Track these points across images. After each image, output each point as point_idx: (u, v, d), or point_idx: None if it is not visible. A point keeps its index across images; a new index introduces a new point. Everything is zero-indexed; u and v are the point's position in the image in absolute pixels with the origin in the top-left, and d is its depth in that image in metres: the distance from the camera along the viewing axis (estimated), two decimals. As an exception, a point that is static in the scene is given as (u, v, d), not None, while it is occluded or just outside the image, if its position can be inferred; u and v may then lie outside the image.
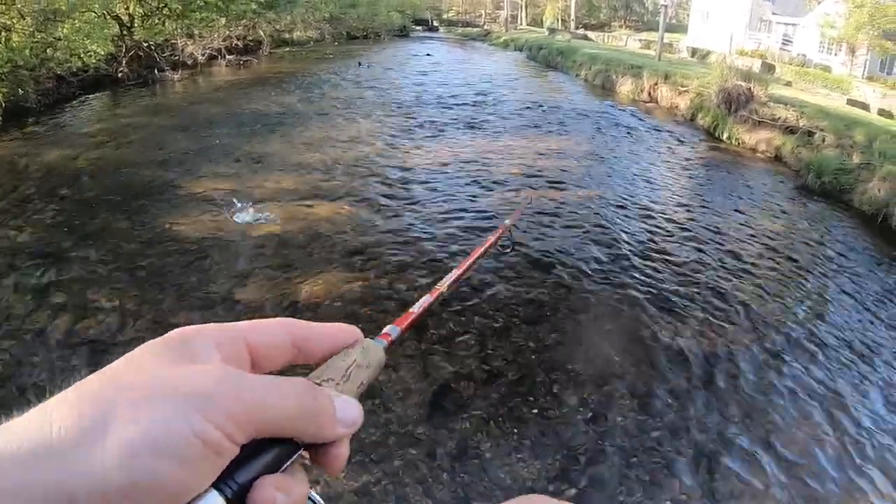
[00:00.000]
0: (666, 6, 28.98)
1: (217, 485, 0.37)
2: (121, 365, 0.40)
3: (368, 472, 4.08)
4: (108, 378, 0.39)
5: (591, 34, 46.03)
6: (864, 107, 19.55)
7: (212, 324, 0.45)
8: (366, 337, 0.54)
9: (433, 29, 58.94)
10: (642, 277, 7.17)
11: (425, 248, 7.58)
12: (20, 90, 13.72)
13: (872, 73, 27.95)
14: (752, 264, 7.93)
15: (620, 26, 57.20)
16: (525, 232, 8.18)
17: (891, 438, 4.91)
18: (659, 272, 7.36)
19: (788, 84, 22.62)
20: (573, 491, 4.07)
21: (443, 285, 0.75)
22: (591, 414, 4.82)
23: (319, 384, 0.46)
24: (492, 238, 1.21)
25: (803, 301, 7.20)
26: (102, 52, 16.97)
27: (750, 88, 15.35)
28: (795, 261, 8.27)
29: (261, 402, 0.39)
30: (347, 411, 0.45)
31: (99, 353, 5.19)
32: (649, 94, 20.04)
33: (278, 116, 14.57)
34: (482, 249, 1.03)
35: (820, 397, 5.32)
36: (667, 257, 7.83)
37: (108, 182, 9.62)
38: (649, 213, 9.44)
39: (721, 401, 5.14)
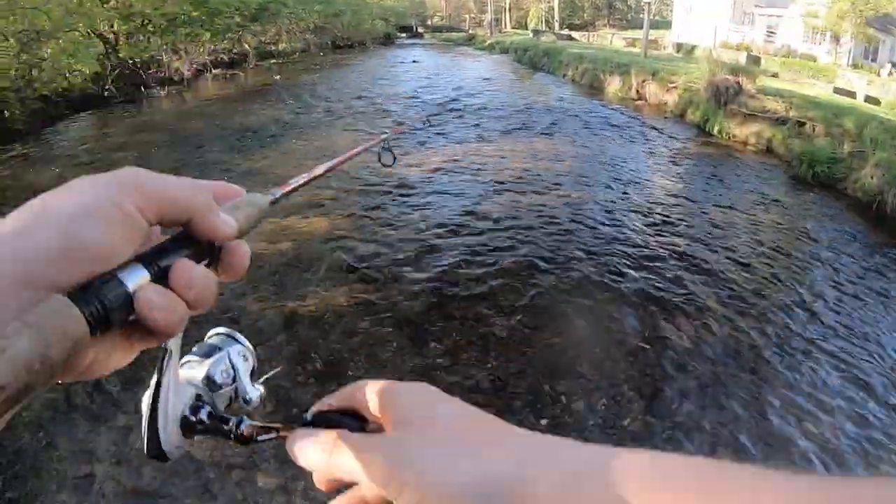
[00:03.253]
0: (649, 3, 29.08)
1: (142, 260, 0.44)
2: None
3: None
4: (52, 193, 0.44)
5: (575, 34, 46.19)
6: (851, 95, 19.65)
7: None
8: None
9: (418, 35, 59.02)
10: (640, 275, 7.14)
11: (417, 254, 7.54)
12: (6, 112, 13.62)
13: (857, 60, 28.11)
14: (749, 256, 7.92)
15: (605, 25, 57.45)
16: (522, 233, 8.16)
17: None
18: (656, 269, 7.33)
19: (775, 75, 22.70)
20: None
21: (320, 170, 0.83)
22: (601, 419, 4.78)
23: None
24: (367, 145, 1.35)
25: (803, 289, 7.18)
26: (88, 72, 16.90)
27: (738, 81, 15.37)
28: (793, 251, 8.27)
29: (163, 185, 0.47)
30: (227, 220, 0.50)
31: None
32: (637, 91, 20.04)
33: (267, 129, 14.52)
34: (357, 150, 1.20)
35: (825, 386, 5.30)
36: (663, 254, 7.81)
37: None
38: (644, 210, 9.42)
39: (727, 396, 5.11)
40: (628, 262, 7.49)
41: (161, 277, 0.44)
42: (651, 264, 7.47)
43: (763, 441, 4.58)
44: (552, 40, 37.49)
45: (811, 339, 6.06)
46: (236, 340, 0.61)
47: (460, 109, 17.36)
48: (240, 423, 0.54)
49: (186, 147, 12.96)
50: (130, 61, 20.55)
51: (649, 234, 8.44)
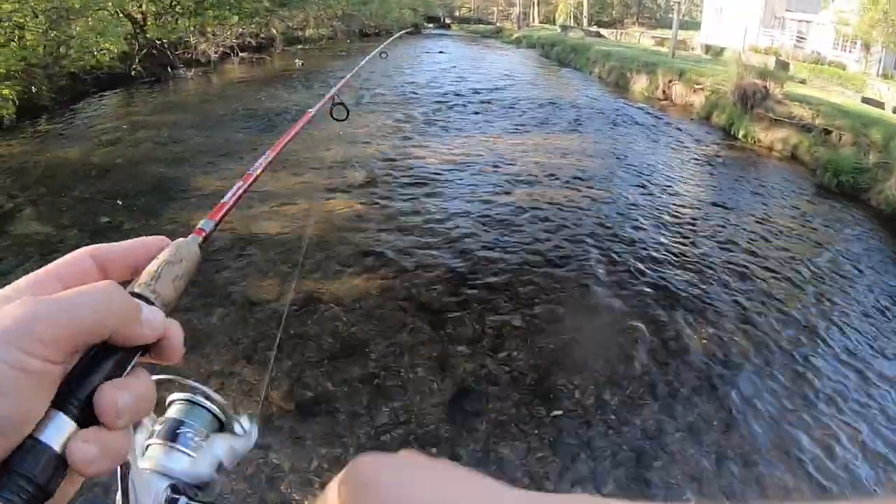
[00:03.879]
0: (679, 2, 28.85)
1: (61, 405, 0.39)
2: None
3: None
4: None
5: (603, 31, 45.87)
6: (880, 105, 19.37)
7: (20, 279, 0.45)
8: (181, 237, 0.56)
9: (445, 26, 58.96)
10: (660, 276, 7.12)
11: (437, 243, 7.55)
12: (34, 88, 13.72)
13: (888, 70, 27.72)
14: (768, 263, 7.86)
15: (633, 24, 57.01)
16: (543, 227, 8.16)
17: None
18: (677, 271, 7.30)
19: (803, 82, 22.42)
20: (603, 490, 4.02)
21: (255, 171, 0.77)
22: (612, 416, 4.78)
23: (133, 292, 0.48)
24: (305, 117, 1.28)
25: (822, 301, 7.12)
26: (116, 51, 17.01)
27: (766, 86, 15.23)
28: (813, 261, 8.18)
29: (67, 316, 0.40)
30: (151, 318, 0.45)
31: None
32: (664, 91, 19.92)
33: (292, 113, 14.55)
34: (293, 132, 1.09)
35: (844, 397, 5.26)
36: (684, 256, 7.77)
37: (123, 179, 9.63)
38: (665, 211, 9.38)
39: (742, 401, 5.09)
40: (647, 262, 7.47)
41: (86, 412, 0.40)
42: (670, 266, 7.44)
43: (776, 447, 4.56)
44: (580, 37, 37.26)
45: (827, 350, 6.01)
46: (201, 406, 0.56)
47: (486, 102, 17.34)
48: None
49: (211, 128, 13.03)
50: (158, 42, 20.66)
51: (670, 236, 8.41)
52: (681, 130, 15.51)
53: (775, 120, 14.44)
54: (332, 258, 7.04)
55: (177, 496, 0.50)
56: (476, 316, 6.03)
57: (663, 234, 8.47)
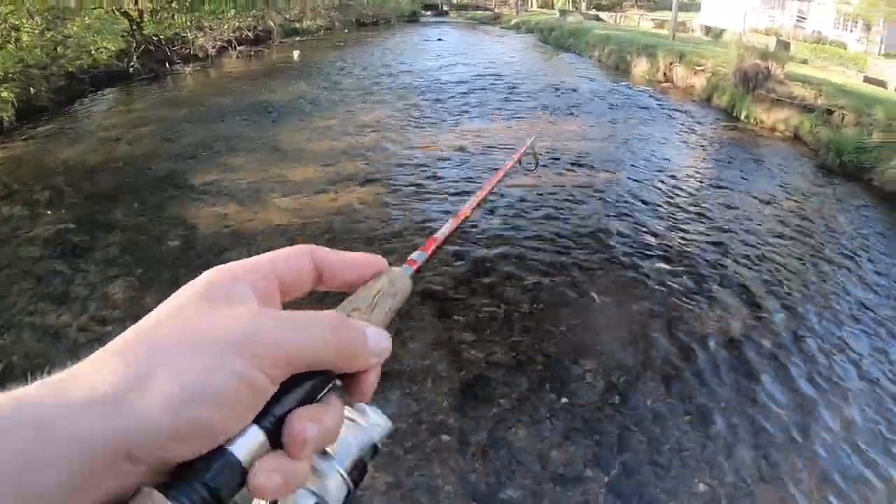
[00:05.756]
0: (678, -16, 28.71)
1: (257, 420, 0.39)
2: (161, 313, 0.41)
3: (401, 461, 4.07)
4: (149, 328, 0.40)
5: (602, 15, 45.63)
6: (882, 84, 19.28)
7: (240, 262, 0.46)
8: (392, 266, 0.55)
9: (443, 13, 58.65)
10: (666, 258, 7.14)
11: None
12: (32, 89, 13.71)
13: (889, 49, 27.58)
14: (772, 244, 7.85)
15: (632, 6, 56.70)
16: (546, 212, 8.15)
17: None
18: (680, 253, 7.31)
19: (804, 62, 22.33)
20: (605, 478, 4.05)
21: (467, 209, 0.76)
22: (619, 398, 4.80)
23: (349, 315, 0.48)
24: (510, 162, 1.22)
25: (828, 281, 7.11)
26: (113, 48, 17.05)
27: (767, 67, 15.15)
28: (818, 241, 8.17)
29: (297, 340, 0.41)
30: (378, 341, 0.46)
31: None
32: (664, 74, 19.81)
33: (293, 105, 14.57)
34: (502, 173, 1.05)
35: (851, 379, 5.25)
36: (689, 238, 7.77)
37: (124, 176, 9.66)
38: (668, 193, 9.39)
39: (749, 383, 5.11)
40: (652, 245, 7.48)
41: (276, 433, 0.40)
42: (675, 248, 7.45)
43: (780, 428, 4.55)
44: (579, 21, 37.05)
45: (833, 331, 6.00)
46: (363, 427, 0.50)
47: (485, 88, 17.29)
48: None
49: (210, 122, 13.03)
50: (155, 38, 20.65)
51: (673, 218, 8.41)
52: (683, 112, 15.45)
53: (777, 100, 14.37)
54: (333, 240, 7.04)
55: None
56: (482, 299, 6.08)
57: (667, 215, 8.47)
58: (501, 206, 8.42)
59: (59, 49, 15.18)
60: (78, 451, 0.33)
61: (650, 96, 17.37)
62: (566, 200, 8.81)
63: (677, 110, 15.69)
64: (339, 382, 0.45)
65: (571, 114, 14.58)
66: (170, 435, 0.35)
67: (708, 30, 33.33)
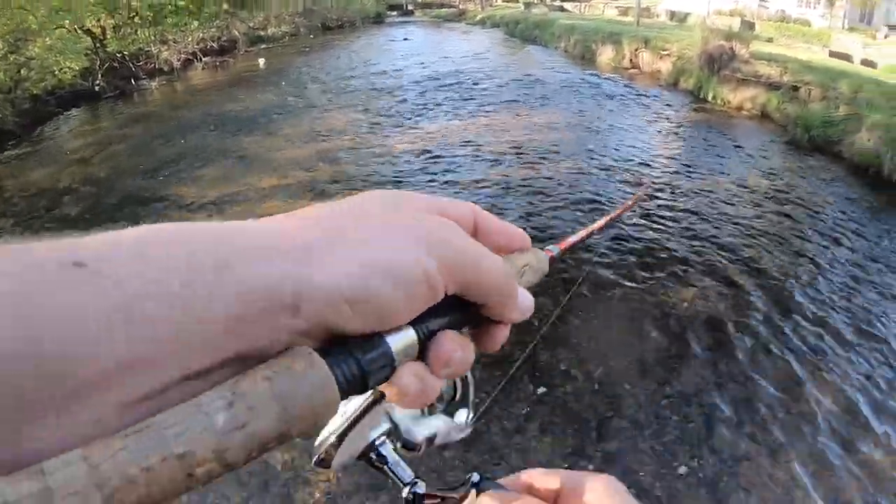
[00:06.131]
0: (640, -30, 28.83)
1: (413, 325, 0.40)
2: (338, 204, 0.43)
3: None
4: (339, 207, 0.42)
5: (567, 5, 45.67)
6: (847, 58, 19.50)
7: (400, 191, 0.46)
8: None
9: (408, 13, 58.47)
10: (638, 242, 7.16)
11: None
12: (-4, 114, 13.57)
13: (853, 23, 27.87)
14: (745, 221, 7.94)
15: (596, -6, 56.78)
16: (517, 204, 8.17)
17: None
18: (654, 236, 7.35)
19: (769, 41, 22.49)
20: (591, 467, 4.03)
21: (597, 226, 0.81)
22: (597, 386, 4.82)
23: None
24: (629, 202, 1.33)
25: (804, 253, 7.20)
26: (77, 68, 16.85)
27: (732, 47, 15.26)
28: (791, 215, 8.27)
29: (477, 265, 0.42)
30: (525, 300, 0.47)
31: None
32: (630, 60, 19.89)
33: (260, 114, 14.49)
34: (631, 202, 1.20)
35: (829, 349, 5.31)
36: (662, 221, 7.82)
37: (96, 196, 9.58)
38: (639, 178, 9.42)
39: (725, 362, 5.16)
40: (625, 230, 7.47)
41: (425, 345, 0.41)
42: (647, 232, 7.48)
43: (769, 405, 4.59)
44: (543, 12, 37.03)
45: (813, 303, 6.06)
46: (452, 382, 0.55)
47: (452, 85, 17.26)
48: (415, 484, 0.50)
49: (179, 137, 12.92)
50: (119, 54, 20.43)
51: (645, 202, 8.42)
52: (650, 97, 15.57)
53: (743, 80, 14.49)
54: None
55: (384, 441, 0.50)
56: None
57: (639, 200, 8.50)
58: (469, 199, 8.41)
59: (22, 72, 15.02)
60: (248, 289, 0.32)
61: (617, 83, 17.43)
62: (534, 191, 8.85)
63: (644, 95, 15.78)
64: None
65: (537, 106, 14.59)
66: (345, 298, 0.35)
67: (673, 14, 33.51)
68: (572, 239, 0.69)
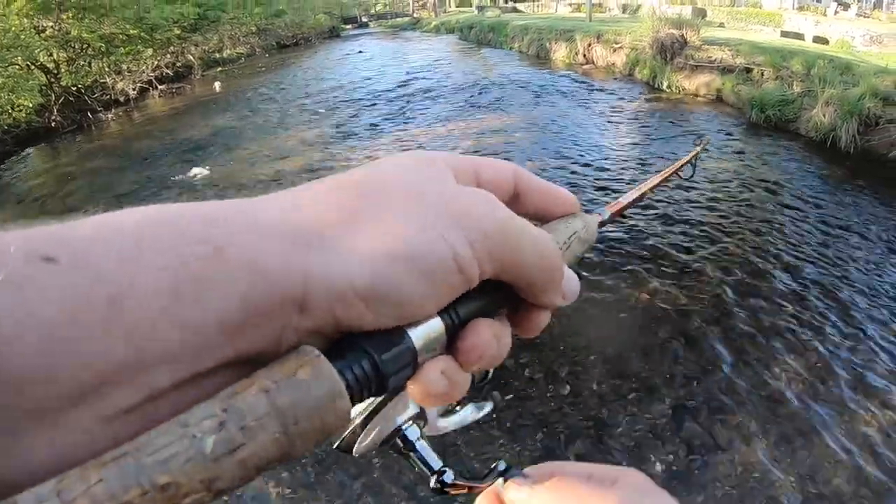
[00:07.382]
0: (589, -34, 29.01)
1: (441, 314, 0.36)
2: (358, 174, 0.37)
3: (346, 464, 3.94)
4: (353, 180, 0.36)
5: (520, 6, 46.11)
6: (799, 36, 19.81)
7: (437, 152, 0.42)
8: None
9: (363, 25, 58.58)
10: (601, 237, 7.16)
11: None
12: (-51, 158, 13.37)
13: (804, 2, 28.24)
14: (711, 204, 7.99)
15: (548, -7, 57.18)
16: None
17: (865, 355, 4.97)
18: (617, 228, 7.35)
19: (721, 25, 22.82)
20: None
21: (646, 186, 0.75)
22: (568, 388, 4.78)
23: None
24: (686, 158, 1.16)
25: (767, 232, 7.25)
26: (31, 104, 16.63)
27: (683, 35, 15.41)
28: (753, 194, 8.34)
29: (518, 244, 0.37)
30: (570, 283, 0.42)
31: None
32: (584, 56, 20.05)
33: (220, 138, 14.37)
34: (679, 163, 1.05)
35: (801, 327, 5.35)
36: (622, 213, 7.85)
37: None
38: (600, 171, 9.48)
39: (691, 349, 5.15)
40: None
41: (454, 336, 0.36)
42: (607, 225, 7.49)
43: (735, 390, 4.61)
44: (497, 14, 37.25)
45: (781, 281, 6.10)
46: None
47: (408, 94, 17.23)
48: (443, 472, 0.47)
49: (137, 167, 12.77)
50: (74, 88, 20.21)
51: (606, 194, 8.46)
52: (605, 91, 15.65)
53: (696, 66, 14.63)
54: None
55: (410, 424, 0.47)
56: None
57: (597, 192, 8.53)
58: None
59: (-26, 113, 14.84)
60: (247, 282, 0.28)
61: (572, 79, 17.51)
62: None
63: (600, 90, 15.85)
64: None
65: (494, 108, 14.58)
66: (359, 292, 0.31)
67: (625, 7, 33.83)
68: (624, 199, 0.66)
